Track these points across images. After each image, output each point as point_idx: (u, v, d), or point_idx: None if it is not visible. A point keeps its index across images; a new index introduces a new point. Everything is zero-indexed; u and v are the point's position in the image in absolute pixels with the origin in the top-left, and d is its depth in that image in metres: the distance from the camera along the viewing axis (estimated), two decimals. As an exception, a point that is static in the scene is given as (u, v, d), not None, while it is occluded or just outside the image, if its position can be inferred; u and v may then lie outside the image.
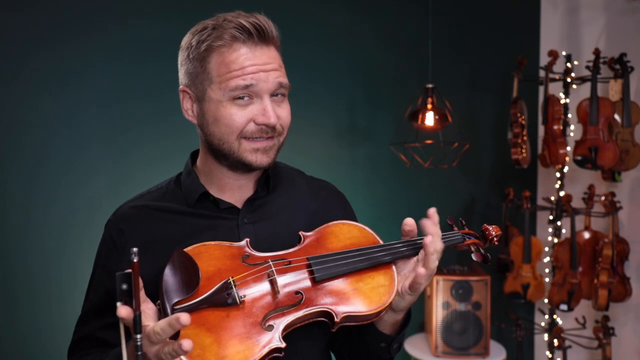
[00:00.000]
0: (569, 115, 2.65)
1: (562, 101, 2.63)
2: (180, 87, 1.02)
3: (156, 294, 0.95)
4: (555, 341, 2.65)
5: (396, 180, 2.86)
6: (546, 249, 2.77)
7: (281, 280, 0.89)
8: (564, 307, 2.60)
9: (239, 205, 1.04)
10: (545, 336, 2.76)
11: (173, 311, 0.80)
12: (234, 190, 1.04)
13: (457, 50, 2.95)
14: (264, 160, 0.98)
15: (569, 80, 2.62)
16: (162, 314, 0.81)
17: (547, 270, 2.81)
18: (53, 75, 2.24)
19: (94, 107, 2.32)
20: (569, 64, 2.62)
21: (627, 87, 2.46)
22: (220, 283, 0.85)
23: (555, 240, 2.69)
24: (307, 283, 0.90)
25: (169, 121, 2.38)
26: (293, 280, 0.90)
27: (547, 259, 2.79)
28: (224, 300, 0.84)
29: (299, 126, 2.63)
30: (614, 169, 2.56)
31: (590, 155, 2.49)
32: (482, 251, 1.03)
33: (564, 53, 2.66)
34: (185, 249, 0.89)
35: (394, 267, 0.96)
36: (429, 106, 2.42)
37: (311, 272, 0.91)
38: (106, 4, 2.31)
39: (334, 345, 1.15)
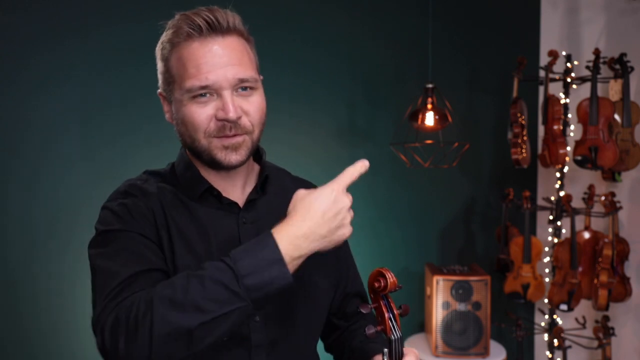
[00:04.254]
0: (569, 115, 2.64)
1: (562, 101, 2.63)
2: (158, 90, 1.01)
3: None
4: (555, 341, 2.65)
5: (396, 180, 2.86)
6: (546, 249, 2.77)
7: None
8: (564, 307, 2.60)
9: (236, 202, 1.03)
10: (545, 336, 2.76)
11: None
12: (223, 189, 1.02)
13: (457, 50, 2.95)
14: (232, 159, 0.95)
15: (569, 80, 2.62)
16: None
17: (547, 270, 2.81)
18: (53, 75, 2.24)
19: (95, 107, 2.32)
20: (569, 64, 2.61)
21: (627, 87, 2.45)
22: None
23: (555, 240, 2.69)
24: None
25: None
26: None
27: (547, 259, 2.79)
28: None
29: (299, 126, 2.67)
30: (614, 169, 2.56)
31: (590, 155, 2.49)
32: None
33: (564, 53, 2.65)
34: None
35: None
36: (429, 106, 2.42)
37: None
38: (107, 4, 2.31)
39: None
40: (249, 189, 1.05)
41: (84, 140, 2.31)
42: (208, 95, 0.92)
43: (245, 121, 0.94)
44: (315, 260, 1.07)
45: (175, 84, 0.94)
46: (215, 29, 0.92)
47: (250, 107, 0.95)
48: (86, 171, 2.31)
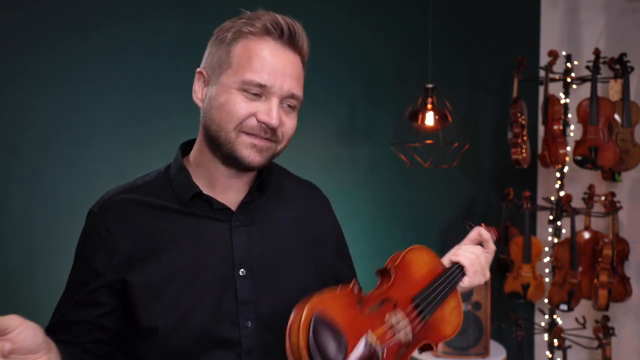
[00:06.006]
0: (569, 115, 2.65)
1: (562, 101, 2.63)
2: (199, 68, 1.01)
3: (147, 299, 0.95)
4: (555, 341, 2.65)
5: (396, 180, 2.86)
6: (546, 249, 2.77)
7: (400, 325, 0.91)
8: (564, 307, 2.60)
9: (230, 206, 1.01)
10: (545, 336, 2.76)
11: None
12: (225, 189, 1.01)
13: (457, 50, 2.95)
14: (255, 159, 0.95)
15: (569, 80, 2.62)
16: None
17: (547, 270, 2.81)
18: (53, 75, 2.24)
19: (95, 108, 2.32)
20: (569, 64, 2.62)
21: (627, 87, 2.46)
22: (362, 343, 0.82)
23: (555, 240, 2.69)
24: (415, 322, 0.95)
25: (171, 120, 2.37)
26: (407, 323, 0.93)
27: (547, 259, 2.79)
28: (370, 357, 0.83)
29: (299, 126, 2.64)
30: (614, 169, 2.56)
31: (590, 155, 2.49)
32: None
33: (564, 53, 2.66)
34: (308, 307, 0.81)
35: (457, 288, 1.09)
36: (429, 106, 2.42)
37: (417, 311, 0.97)
38: (107, 4, 2.31)
39: None
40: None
41: (84, 140, 2.31)
42: (258, 94, 0.94)
43: (279, 132, 0.97)
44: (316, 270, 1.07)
45: (230, 70, 0.94)
46: (292, 42, 0.98)
47: (288, 122, 0.99)
48: (86, 171, 2.31)
